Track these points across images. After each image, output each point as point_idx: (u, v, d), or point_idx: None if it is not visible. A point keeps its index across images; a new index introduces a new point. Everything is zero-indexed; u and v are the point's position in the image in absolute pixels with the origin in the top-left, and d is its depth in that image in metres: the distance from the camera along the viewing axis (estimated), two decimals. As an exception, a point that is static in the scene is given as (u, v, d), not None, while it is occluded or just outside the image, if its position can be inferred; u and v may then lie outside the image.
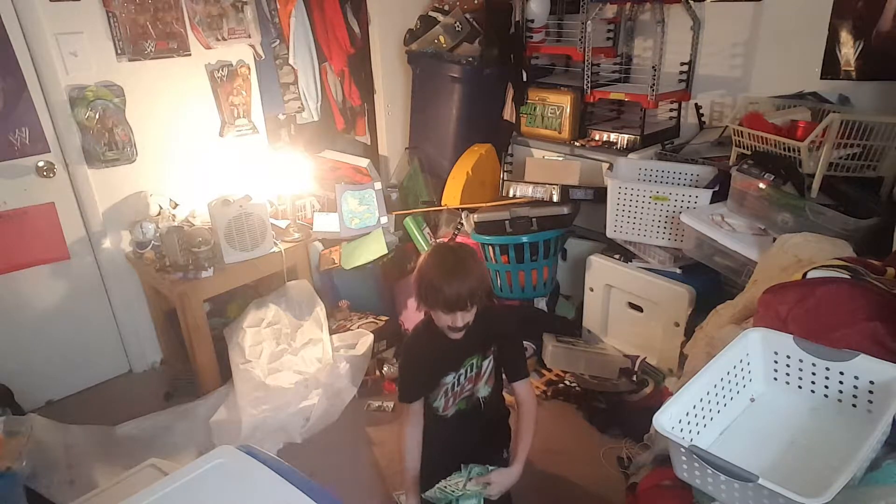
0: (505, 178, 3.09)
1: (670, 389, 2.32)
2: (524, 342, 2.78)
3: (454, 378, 1.91)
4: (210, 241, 2.61)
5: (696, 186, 2.45)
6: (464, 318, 1.78)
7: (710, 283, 2.39)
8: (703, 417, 1.21)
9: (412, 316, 2.96)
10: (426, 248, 3.03)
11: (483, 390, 1.97)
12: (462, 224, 2.98)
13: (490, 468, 1.84)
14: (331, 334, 2.76)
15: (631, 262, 2.62)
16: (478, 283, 1.76)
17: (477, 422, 2.00)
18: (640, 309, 2.60)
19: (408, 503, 1.89)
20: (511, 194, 2.91)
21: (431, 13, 3.28)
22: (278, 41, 3.14)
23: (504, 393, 2.12)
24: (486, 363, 1.94)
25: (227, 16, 2.77)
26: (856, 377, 1.18)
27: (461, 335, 1.82)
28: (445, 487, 1.82)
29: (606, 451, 2.27)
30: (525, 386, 1.94)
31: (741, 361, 1.29)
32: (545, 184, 2.81)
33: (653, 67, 2.57)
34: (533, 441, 1.91)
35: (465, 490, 1.80)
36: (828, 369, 1.21)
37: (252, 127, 3.03)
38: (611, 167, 2.67)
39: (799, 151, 2.04)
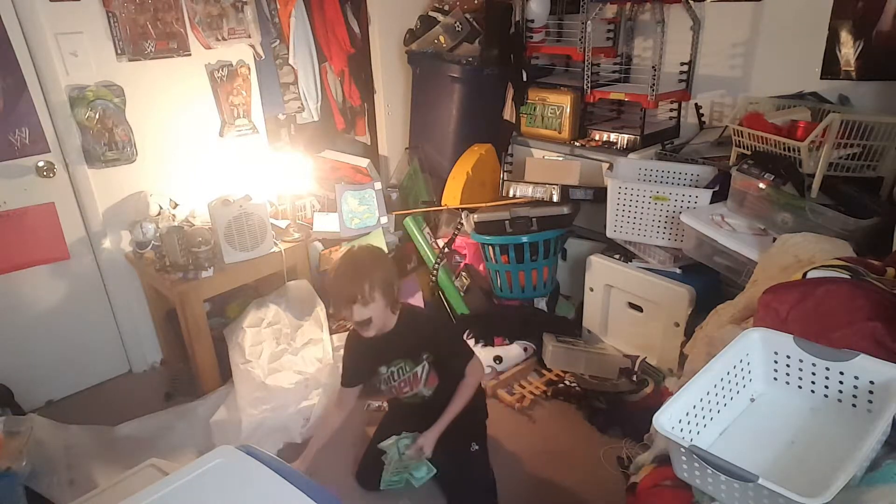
0: (505, 178, 3.09)
1: (670, 389, 2.32)
2: (526, 341, 2.79)
3: (388, 371, 2.12)
4: (210, 241, 2.61)
5: (696, 186, 2.45)
6: (364, 312, 1.90)
7: (710, 283, 2.39)
8: (703, 417, 1.21)
9: (412, 316, 2.96)
10: (426, 249, 3.03)
11: (425, 391, 2.12)
12: (462, 224, 2.98)
13: (413, 435, 2.06)
14: (331, 334, 2.76)
15: (631, 262, 2.62)
16: (381, 277, 1.91)
17: (427, 415, 2.09)
18: (640, 309, 2.60)
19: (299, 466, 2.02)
20: (511, 194, 2.91)
21: (431, 13, 3.29)
22: (278, 41, 3.14)
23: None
24: (420, 369, 2.09)
25: (227, 16, 2.77)
26: (856, 377, 1.18)
27: (371, 332, 1.97)
28: (391, 469, 2.04)
29: (606, 451, 2.27)
30: (463, 382, 2.08)
31: (741, 361, 1.29)
32: (545, 184, 2.81)
33: (653, 67, 2.57)
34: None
35: (405, 462, 2.01)
36: (828, 369, 1.21)
37: (252, 127, 3.03)
38: (611, 167, 2.67)
39: (799, 151, 2.04)
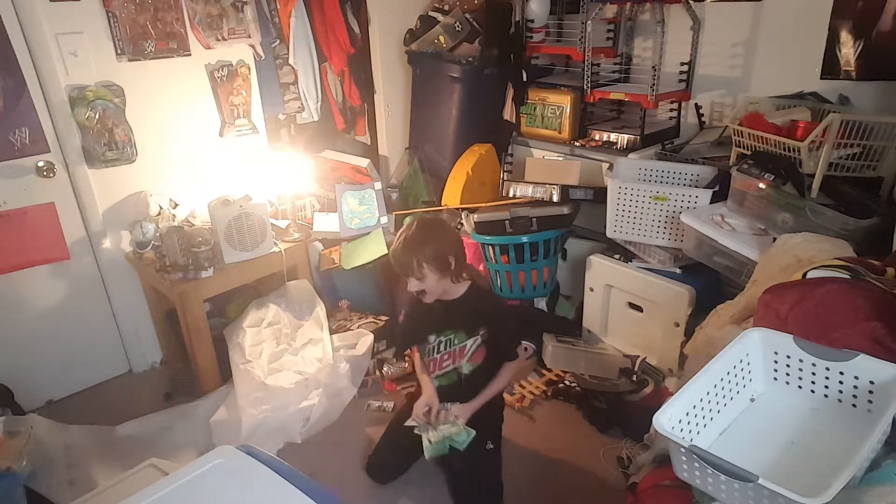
0: (505, 178, 3.09)
1: (670, 389, 2.32)
2: (526, 341, 2.79)
3: (435, 340, 2.16)
4: (210, 241, 2.61)
5: (696, 186, 2.45)
6: (418, 285, 2.02)
7: (710, 283, 2.39)
8: (703, 417, 1.21)
9: (412, 316, 2.97)
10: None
11: (466, 367, 2.14)
12: (462, 224, 2.98)
13: (447, 405, 2.07)
14: (331, 334, 2.76)
15: (631, 262, 2.62)
16: (432, 251, 1.98)
17: (459, 398, 2.12)
18: (640, 309, 2.60)
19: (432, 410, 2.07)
20: (511, 194, 2.91)
21: (431, 13, 3.29)
22: (278, 41, 3.14)
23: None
24: (470, 342, 2.12)
25: (227, 16, 2.77)
26: (856, 377, 1.18)
27: (431, 300, 2.07)
28: (431, 437, 2.03)
29: (606, 451, 2.27)
30: (509, 364, 2.15)
31: (741, 361, 1.29)
32: (545, 184, 2.81)
33: (653, 67, 2.57)
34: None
35: (441, 429, 2.02)
36: (828, 369, 1.21)
37: (252, 127, 3.03)
38: (611, 167, 2.67)
39: (799, 151, 2.04)
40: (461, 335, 2.12)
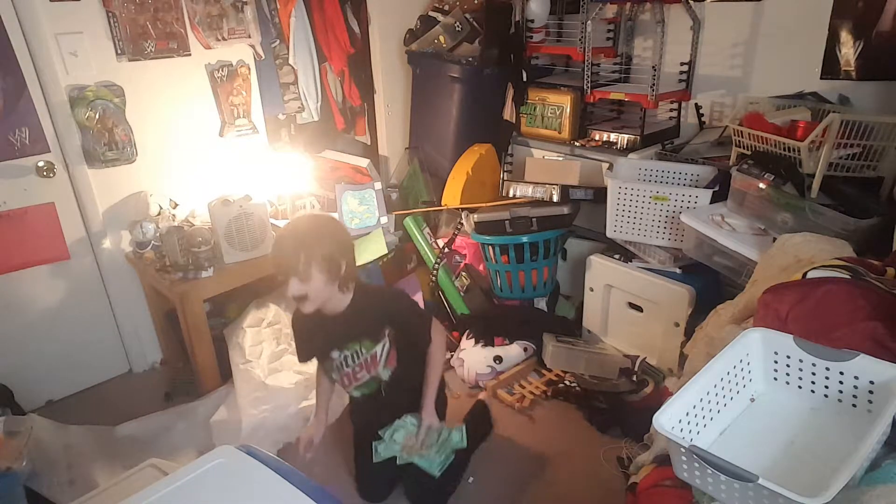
0: (505, 178, 3.09)
1: (670, 389, 2.32)
2: (526, 341, 2.79)
3: (340, 356, 1.98)
4: (210, 241, 2.61)
5: (696, 186, 2.45)
6: (300, 288, 1.79)
7: (710, 283, 2.39)
8: (703, 417, 1.21)
9: (412, 316, 2.96)
10: (426, 249, 3.03)
11: (384, 373, 2.01)
12: (462, 224, 2.98)
13: (412, 422, 2.01)
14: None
15: (631, 262, 2.62)
16: (325, 250, 1.77)
17: (383, 404, 2.06)
18: (640, 309, 2.60)
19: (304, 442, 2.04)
20: (511, 194, 2.91)
21: (431, 13, 3.29)
22: (278, 41, 3.14)
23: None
24: (379, 348, 1.96)
25: (227, 16, 2.77)
26: (856, 377, 1.18)
27: (309, 309, 1.85)
28: (433, 460, 1.97)
29: (606, 451, 2.27)
30: (431, 347, 2.01)
31: (741, 361, 1.29)
32: (545, 184, 2.81)
33: (653, 67, 2.57)
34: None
35: (432, 448, 1.98)
36: (828, 369, 1.21)
37: (252, 127, 3.03)
38: (611, 167, 2.67)
39: (799, 151, 2.04)
40: (368, 344, 1.94)
